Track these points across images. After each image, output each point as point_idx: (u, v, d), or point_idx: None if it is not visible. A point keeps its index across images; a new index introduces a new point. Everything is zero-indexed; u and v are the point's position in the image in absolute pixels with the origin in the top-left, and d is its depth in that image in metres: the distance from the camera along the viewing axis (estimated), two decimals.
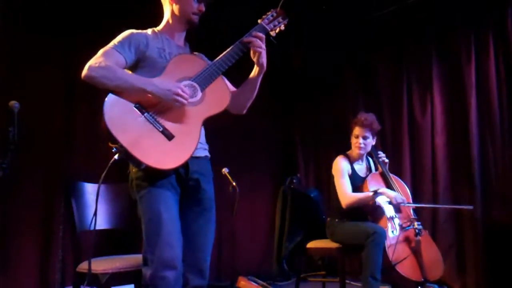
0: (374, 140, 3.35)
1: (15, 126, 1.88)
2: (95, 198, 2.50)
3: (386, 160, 3.39)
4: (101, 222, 2.55)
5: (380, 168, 3.35)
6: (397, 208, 3.14)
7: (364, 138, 3.26)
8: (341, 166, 3.27)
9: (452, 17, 4.15)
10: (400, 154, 4.36)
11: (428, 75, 4.27)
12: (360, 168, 3.38)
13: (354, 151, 3.34)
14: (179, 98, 1.78)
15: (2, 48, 3.35)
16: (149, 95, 1.79)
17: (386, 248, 2.89)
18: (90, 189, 2.57)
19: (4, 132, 1.90)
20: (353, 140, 3.32)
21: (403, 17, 4.46)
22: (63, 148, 3.69)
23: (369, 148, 3.32)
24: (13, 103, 1.90)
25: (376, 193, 3.07)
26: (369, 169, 3.44)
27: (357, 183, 3.27)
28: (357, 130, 3.28)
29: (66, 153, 3.68)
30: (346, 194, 3.17)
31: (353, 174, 3.30)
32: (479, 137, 3.86)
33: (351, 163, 3.33)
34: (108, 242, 2.80)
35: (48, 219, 3.55)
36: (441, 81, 4.19)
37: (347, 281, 3.42)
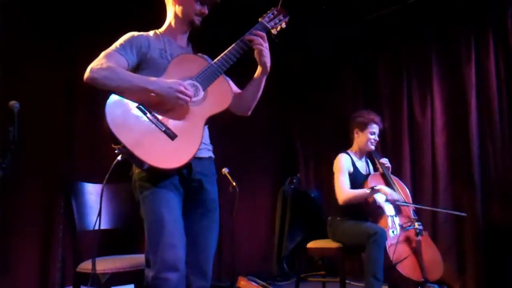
0: None
1: (15, 126, 1.87)
2: (95, 198, 2.53)
3: (388, 165, 3.42)
4: (101, 222, 2.53)
5: (380, 169, 3.36)
6: (397, 208, 3.15)
7: (378, 136, 3.38)
8: (342, 164, 3.29)
9: (452, 17, 4.15)
10: (400, 154, 4.36)
11: (428, 75, 4.27)
12: (361, 165, 3.40)
13: (359, 148, 3.38)
14: (182, 96, 1.78)
15: (2, 49, 3.35)
16: (151, 95, 1.78)
17: (387, 248, 2.90)
18: (90, 189, 2.56)
19: (4, 132, 1.90)
20: (367, 137, 3.35)
21: (403, 17, 4.46)
22: (63, 148, 3.69)
23: None
24: (13, 103, 1.90)
25: (373, 190, 3.09)
26: (368, 169, 3.46)
27: (360, 180, 3.28)
28: (375, 128, 3.36)
29: (66, 153, 3.68)
30: (343, 190, 3.19)
31: (355, 171, 3.32)
32: (479, 137, 3.86)
33: (353, 160, 3.35)
34: (108, 242, 2.79)
35: (48, 219, 3.55)
36: (441, 81, 4.19)
37: (347, 281, 3.42)
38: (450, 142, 4.08)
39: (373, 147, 3.36)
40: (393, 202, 3.10)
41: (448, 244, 3.91)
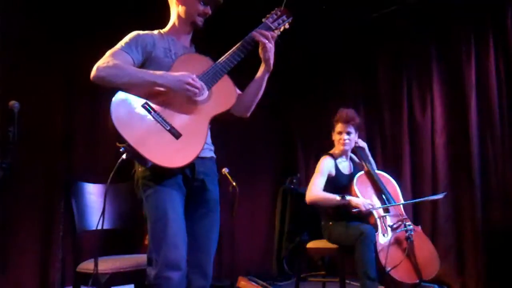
0: (357, 135, 3.33)
1: (15, 126, 1.88)
2: (95, 198, 2.53)
3: (362, 145, 3.35)
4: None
5: (365, 167, 3.29)
6: (387, 208, 3.10)
7: (348, 133, 3.24)
8: (322, 166, 3.23)
9: (452, 17, 4.16)
10: (400, 154, 4.36)
11: (428, 75, 4.27)
12: (344, 165, 3.34)
13: (337, 148, 3.31)
14: (191, 88, 1.79)
15: (2, 48, 3.35)
16: (159, 89, 1.79)
17: (378, 253, 2.83)
18: (90, 189, 2.56)
19: (4, 132, 1.90)
20: (336, 137, 3.28)
21: (403, 17, 4.46)
22: (63, 148, 3.68)
23: (353, 144, 3.30)
24: (13, 103, 1.90)
25: (343, 198, 3.03)
26: (352, 167, 3.39)
27: (342, 181, 3.23)
28: (340, 127, 3.25)
29: (66, 153, 3.68)
30: (312, 190, 3.13)
31: (337, 173, 3.26)
32: (479, 137, 3.86)
33: (336, 162, 3.29)
34: (108, 242, 2.80)
35: (48, 219, 3.55)
36: (441, 81, 4.19)
37: (347, 281, 3.41)
38: (450, 142, 4.08)
39: (344, 147, 3.25)
40: (367, 211, 2.98)
41: (448, 244, 3.91)
